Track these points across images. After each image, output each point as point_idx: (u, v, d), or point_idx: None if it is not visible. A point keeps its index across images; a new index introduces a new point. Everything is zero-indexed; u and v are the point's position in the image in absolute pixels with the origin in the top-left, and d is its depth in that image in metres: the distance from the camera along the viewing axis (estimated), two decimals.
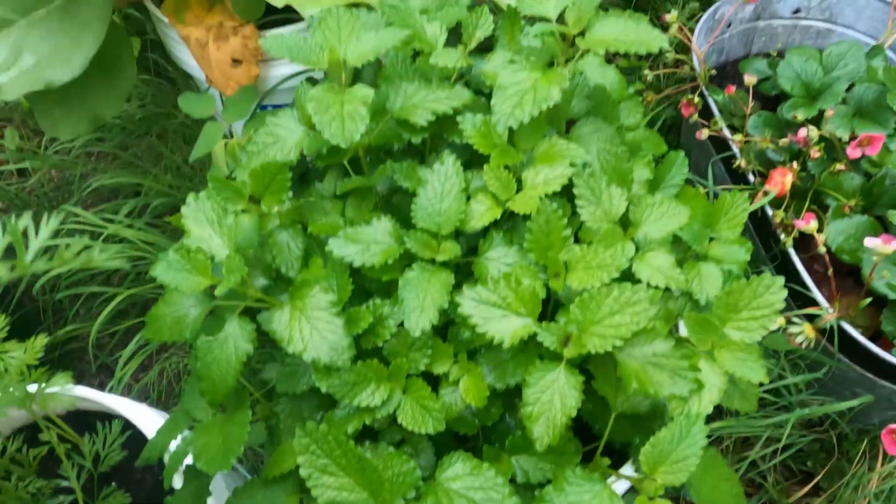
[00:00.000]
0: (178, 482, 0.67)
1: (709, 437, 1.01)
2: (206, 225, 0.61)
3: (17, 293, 1.15)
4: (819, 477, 1.09)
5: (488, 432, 0.63)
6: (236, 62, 1.07)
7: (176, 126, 1.41)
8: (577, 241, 0.61)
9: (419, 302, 0.56)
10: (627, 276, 0.57)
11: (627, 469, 0.61)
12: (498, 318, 0.54)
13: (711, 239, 0.66)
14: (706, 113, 1.12)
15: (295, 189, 0.65)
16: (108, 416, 0.79)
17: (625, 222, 0.62)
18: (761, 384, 1.04)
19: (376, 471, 0.51)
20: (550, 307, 0.60)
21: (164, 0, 1.11)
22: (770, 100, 1.28)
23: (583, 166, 0.61)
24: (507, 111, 0.59)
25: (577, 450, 0.59)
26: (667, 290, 0.60)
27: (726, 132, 1.07)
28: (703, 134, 1.06)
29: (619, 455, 0.67)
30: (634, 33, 0.61)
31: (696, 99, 1.07)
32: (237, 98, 1.00)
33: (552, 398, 0.51)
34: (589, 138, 0.66)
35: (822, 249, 0.89)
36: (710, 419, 1.09)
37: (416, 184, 0.63)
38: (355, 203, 0.67)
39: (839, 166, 0.97)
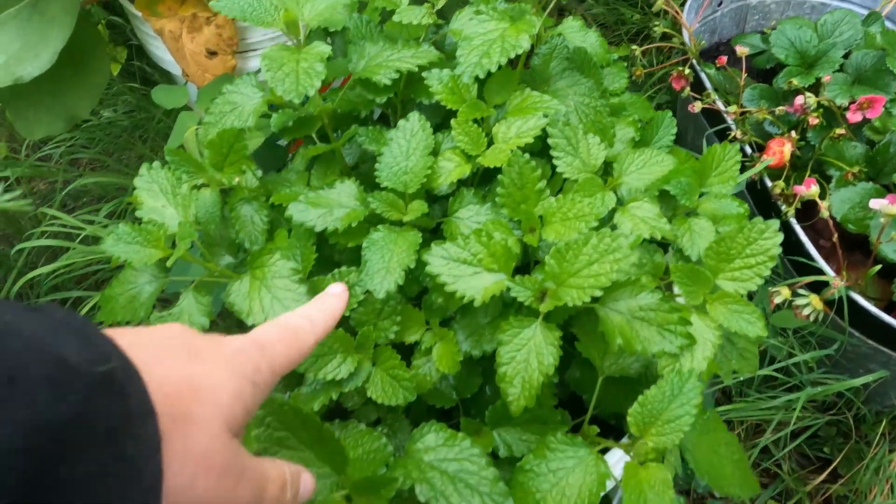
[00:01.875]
0: None
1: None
2: (160, 195, 0.58)
3: None
4: (836, 462, 1.03)
5: (468, 406, 0.59)
6: (211, 54, 1.05)
7: (163, 129, 1.39)
8: None
9: (384, 263, 0.52)
10: None
11: (626, 440, 0.57)
12: (469, 275, 0.50)
13: (702, 195, 0.62)
14: (698, 88, 1.08)
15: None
16: None
17: (605, 178, 0.58)
18: (771, 360, 0.99)
19: (338, 443, 0.46)
20: (531, 267, 0.56)
21: None
22: (764, 75, 1.24)
23: (558, 118, 0.57)
24: (473, 61, 0.55)
25: (563, 420, 0.54)
26: (655, 243, 0.55)
27: (720, 104, 1.03)
28: (696, 107, 1.02)
29: (616, 432, 0.62)
30: None
31: (687, 71, 1.03)
32: (211, 87, 0.97)
33: (528, 357, 0.47)
34: (565, 92, 0.62)
35: (825, 214, 0.84)
36: (717, 403, 1.04)
37: (382, 147, 0.60)
38: (320, 171, 0.63)
39: (839, 131, 0.93)
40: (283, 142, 0.83)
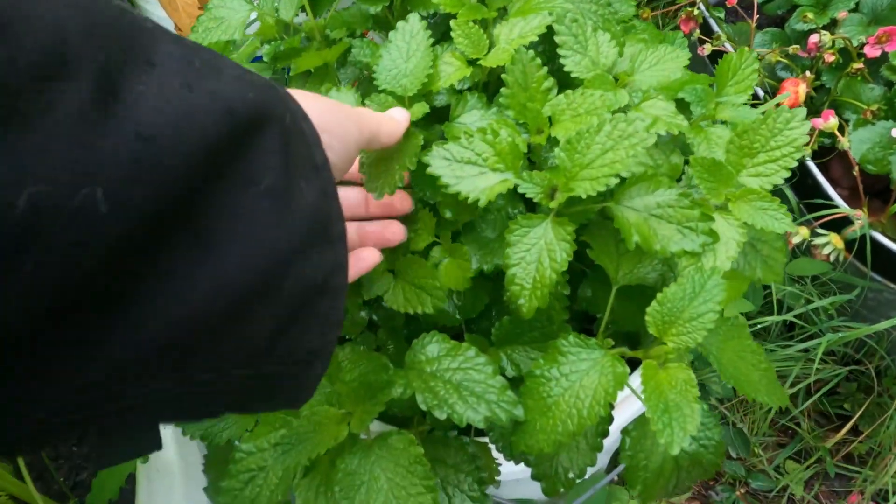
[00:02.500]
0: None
1: None
2: None
3: None
4: (856, 417, 0.99)
5: (473, 329, 0.55)
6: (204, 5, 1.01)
7: None
8: None
9: (384, 167, 0.48)
10: None
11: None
12: (473, 176, 0.46)
13: (719, 105, 0.58)
14: (708, 33, 1.05)
15: None
16: None
17: (616, 80, 0.54)
18: (788, 311, 0.95)
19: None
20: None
21: None
22: (776, 22, 1.20)
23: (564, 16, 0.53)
24: None
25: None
26: (671, 143, 0.52)
27: (729, 46, 0.99)
28: (706, 49, 0.98)
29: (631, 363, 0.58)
30: None
31: (696, 11, 0.99)
32: None
33: (539, 255, 0.43)
34: None
35: (846, 145, 0.80)
36: None
37: (378, 57, 0.56)
38: (314, 86, 0.59)
39: (857, 66, 0.89)
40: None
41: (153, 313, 0.23)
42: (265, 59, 0.68)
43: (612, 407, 0.42)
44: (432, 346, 0.45)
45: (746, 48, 0.57)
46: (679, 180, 0.51)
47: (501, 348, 0.51)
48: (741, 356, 0.47)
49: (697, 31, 1.01)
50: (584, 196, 0.42)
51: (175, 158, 0.22)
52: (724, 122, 0.56)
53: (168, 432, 0.80)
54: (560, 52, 0.52)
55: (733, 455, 1.04)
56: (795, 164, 0.45)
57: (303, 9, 0.61)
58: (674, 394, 0.39)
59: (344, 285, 0.31)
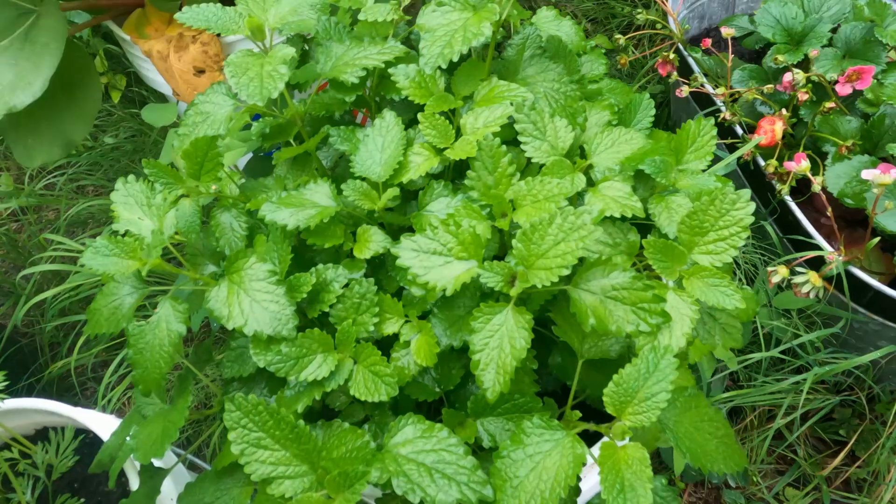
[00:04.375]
0: (136, 483, 0.63)
1: (725, 406, 0.93)
2: (136, 207, 0.58)
3: (7, 328, 1.14)
4: (852, 443, 1.01)
5: (453, 399, 0.58)
6: (199, 71, 1.06)
7: (161, 150, 1.41)
8: None
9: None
10: None
11: None
12: (440, 265, 0.49)
13: (679, 172, 0.61)
14: (687, 73, 1.08)
15: None
16: (81, 432, 0.75)
17: (575, 161, 0.57)
18: (776, 343, 0.97)
19: (314, 440, 0.46)
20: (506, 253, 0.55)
21: (127, 19, 1.11)
22: (755, 57, 1.22)
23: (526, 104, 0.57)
24: (435, 52, 0.55)
25: (547, 408, 0.54)
26: (628, 222, 0.55)
27: (708, 87, 1.02)
28: (684, 91, 1.01)
29: (605, 418, 0.61)
30: None
31: (672, 55, 1.02)
32: None
33: (501, 342, 0.46)
34: (534, 79, 0.62)
35: (817, 188, 0.83)
36: (727, 389, 1.02)
37: (353, 146, 0.60)
38: (295, 173, 0.63)
39: (829, 105, 0.91)
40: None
41: None
42: (253, 136, 0.72)
43: (577, 483, 0.45)
44: (408, 429, 0.48)
45: (703, 118, 0.60)
46: (639, 255, 0.54)
47: (478, 419, 0.54)
48: (698, 427, 0.50)
49: (675, 73, 1.04)
50: (539, 286, 0.46)
51: None
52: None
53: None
54: (520, 138, 0.55)
55: (732, 485, 1.05)
56: (743, 242, 0.48)
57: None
58: (629, 473, 0.42)
59: None
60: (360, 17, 0.62)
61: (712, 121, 0.61)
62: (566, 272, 0.45)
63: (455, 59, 0.54)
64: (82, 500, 0.64)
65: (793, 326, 0.96)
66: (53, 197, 1.37)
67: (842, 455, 1.01)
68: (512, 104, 0.55)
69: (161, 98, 1.36)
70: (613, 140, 0.55)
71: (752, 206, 0.49)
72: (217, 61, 1.06)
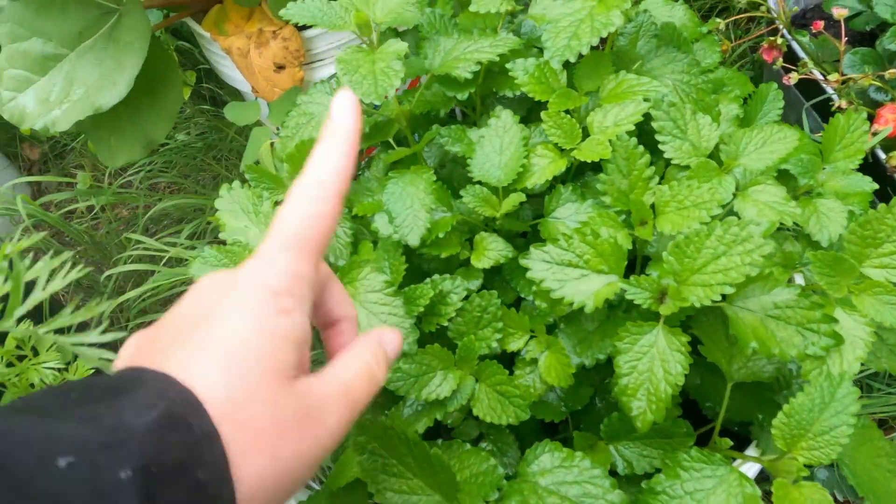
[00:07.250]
0: None
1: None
2: (242, 215, 0.56)
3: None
4: None
5: (578, 419, 0.54)
6: (279, 67, 1.04)
7: (236, 148, 1.41)
8: None
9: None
10: None
11: (752, 451, 0.51)
12: (575, 279, 0.45)
13: (827, 173, 0.55)
14: (790, 59, 1.00)
15: None
16: None
17: (717, 161, 0.52)
18: None
19: (449, 469, 0.43)
20: (638, 265, 0.51)
21: (205, 16, 1.10)
22: (864, 38, 1.13)
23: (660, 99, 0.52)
24: (561, 44, 0.51)
25: (688, 432, 0.49)
26: (780, 230, 0.49)
27: (817, 73, 0.94)
28: (792, 78, 0.94)
29: (737, 440, 0.56)
30: None
31: (780, 40, 0.95)
32: (282, 100, 0.96)
33: (651, 365, 0.42)
34: (661, 71, 0.57)
35: None
36: None
37: (466, 147, 0.56)
38: (401, 172, 0.60)
39: None
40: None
41: None
42: None
43: None
44: (545, 457, 0.45)
45: (853, 111, 0.54)
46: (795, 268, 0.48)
47: (612, 443, 0.50)
48: (875, 462, 0.44)
49: (780, 59, 0.97)
50: (697, 305, 0.41)
51: None
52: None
53: None
54: (659, 137, 0.50)
55: None
56: None
57: None
58: None
59: None
60: (472, 8, 0.58)
61: (863, 115, 0.55)
62: (729, 290, 0.40)
63: (584, 53, 0.50)
64: None
65: None
66: (132, 195, 1.38)
67: None
68: (647, 100, 0.51)
69: (234, 95, 1.35)
70: (764, 139, 0.49)
71: None
72: (297, 57, 1.03)
